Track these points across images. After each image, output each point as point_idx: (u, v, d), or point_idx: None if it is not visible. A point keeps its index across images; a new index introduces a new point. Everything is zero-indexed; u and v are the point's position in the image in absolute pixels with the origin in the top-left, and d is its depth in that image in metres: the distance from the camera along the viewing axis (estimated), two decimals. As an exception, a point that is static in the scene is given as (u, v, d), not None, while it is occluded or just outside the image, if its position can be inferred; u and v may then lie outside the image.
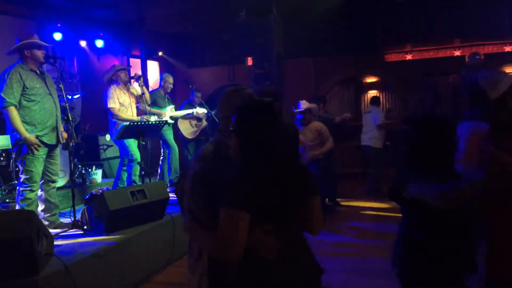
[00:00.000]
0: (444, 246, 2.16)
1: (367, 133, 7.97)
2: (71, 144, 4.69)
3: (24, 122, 4.22)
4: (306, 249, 1.96)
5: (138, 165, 5.75)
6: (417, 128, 2.27)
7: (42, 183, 4.45)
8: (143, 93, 6.08)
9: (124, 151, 5.91)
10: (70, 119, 4.55)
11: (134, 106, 6.12)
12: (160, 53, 10.57)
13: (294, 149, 2.01)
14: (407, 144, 2.32)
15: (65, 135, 4.61)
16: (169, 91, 7.09)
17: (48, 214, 4.52)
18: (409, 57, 10.64)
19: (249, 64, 10.59)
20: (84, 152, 7.02)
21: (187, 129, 7.30)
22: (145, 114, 6.17)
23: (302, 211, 1.88)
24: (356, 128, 8.92)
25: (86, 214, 4.34)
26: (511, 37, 9.84)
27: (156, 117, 6.58)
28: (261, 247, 1.78)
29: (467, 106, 2.70)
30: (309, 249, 1.98)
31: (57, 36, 7.49)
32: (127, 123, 5.32)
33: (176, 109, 7.15)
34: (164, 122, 5.94)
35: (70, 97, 6.99)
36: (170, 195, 4.88)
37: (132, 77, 6.21)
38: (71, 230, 4.39)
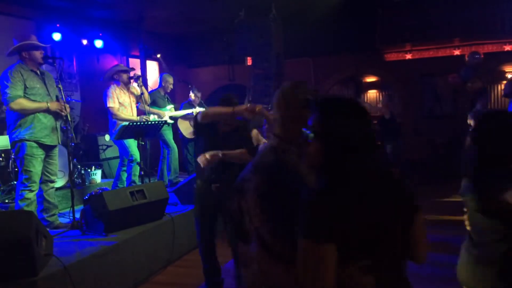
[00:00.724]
0: None
1: None
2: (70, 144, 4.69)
3: (23, 122, 4.22)
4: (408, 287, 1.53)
5: (137, 166, 5.74)
6: (489, 125, 1.95)
7: (41, 184, 4.45)
8: (142, 93, 6.07)
9: (124, 151, 5.90)
10: (70, 119, 4.55)
11: (134, 106, 6.12)
12: (159, 56, 10.56)
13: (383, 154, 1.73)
14: (478, 142, 1.97)
15: None
16: (168, 91, 7.09)
17: (47, 215, 4.52)
18: (408, 56, 10.63)
19: (248, 64, 10.59)
20: (83, 152, 7.01)
21: (186, 129, 7.29)
22: (145, 114, 6.16)
23: (406, 235, 1.46)
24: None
25: (85, 215, 4.34)
26: (510, 36, 9.83)
27: (155, 116, 6.57)
28: None
29: None
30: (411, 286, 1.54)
31: (56, 36, 7.48)
32: (127, 123, 5.32)
33: (176, 109, 7.15)
34: (164, 122, 5.94)
35: (69, 98, 6.97)
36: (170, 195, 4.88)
37: (131, 77, 6.20)
38: (70, 231, 4.38)
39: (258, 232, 1.61)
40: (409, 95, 10.62)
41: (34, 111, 4.27)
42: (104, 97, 5.87)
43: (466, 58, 9.75)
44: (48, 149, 4.42)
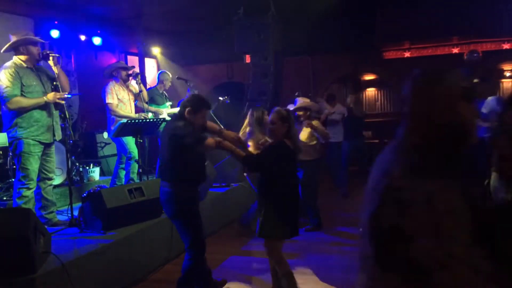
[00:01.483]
0: None
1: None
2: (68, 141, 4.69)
3: (20, 120, 4.20)
4: None
5: (136, 163, 5.74)
6: None
7: (38, 181, 4.44)
8: (140, 91, 6.06)
9: (122, 149, 5.89)
10: (68, 116, 4.54)
11: (133, 103, 6.12)
12: (158, 52, 10.55)
13: None
14: None
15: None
16: (167, 88, 7.08)
17: (45, 212, 4.51)
18: (407, 54, 10.64)
19: (247, 61, 10.57)
20: (81, 149, 7.00)
21: (185, 127, 7.27)
22: (143, 111, 6.15)
23: None
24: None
25: (84, 212, 4.34)
26: (509, 35, 9.84)
27: (152, 115, 6.57)
28: None
29: None
30: None
31: (55, 33, 7.46)
32: (125, 120, 5.31)
33: (174, 106, 7.13)
34: (162, 119, 5.93)
35: (69, 95, 6.96)
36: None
37: (130, 75, 6.19)
38: (68, 228, 4.38)
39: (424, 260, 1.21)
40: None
41: (32, 108, 4.24)
42: (103, 93, 5.86)
43: (465, 56, 9.76)
44: (45, 146, 4.41)
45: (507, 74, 10.67)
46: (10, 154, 5.02)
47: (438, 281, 1.19)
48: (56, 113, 4.52)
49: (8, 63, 4.24)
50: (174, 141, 3.41)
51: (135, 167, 5.83)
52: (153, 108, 6.61)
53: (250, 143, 4.90)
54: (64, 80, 4.45)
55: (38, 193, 4.46)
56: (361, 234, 1.38)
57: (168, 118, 6.71)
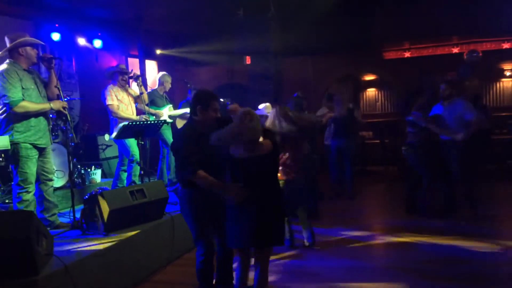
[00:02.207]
0: None
1: None
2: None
3: (17, 125, 4.19)
4: None
5: (137, 165, 5.75)
6: None
7: (39, 184, 4.44)
8: (141, 93, 6.08)
9: (125, 151, 5.91)
10: (69, 119, 4.54)
11: (133, 104, 6.14)
12: (159, 52, 10.56)
13: None
14: None
15: None
16: (167, 90, 7.09)
17: (48, 214, 4.52)
18: (407, 54, 10.66)
19: (247, 63, 10.61)
20: (83, 152, 7.01)
21: (186, 128, 7.28)
22: (144, 113, 6.17)
23: None
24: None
25: (85, 214, 4.35)
26: (509, 34, 9.85)
27: (154, 117, 6.58)
28: None
29: None
30: None
31: (55, 36, 7.48)
32: (126, 122, 5.33)
33: (175, 108, 7.15)
34: (163, 121, 5.95)
35: (68, 98, 6.97)
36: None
37: (131, 77, 6.21)
38: (70, 230, 4.39)
39: None
40: (408, 93, 10.63)
41: (37, 112, 4.24)
42: (102, 96, 5.88)
43: (465, 56, 9.78)
44: (40, 149, 4.41)
45: (507, 73, 10.67)
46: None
47: None
48: (50, 116, 4.52)
49: (5, 66, 4.17)
50: None
51: (136, 169, 5.85)
52: (152, 110, 6.62)
53: None
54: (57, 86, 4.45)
55: (40, 195, 4.46)
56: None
57: (169, 120, 6.74)
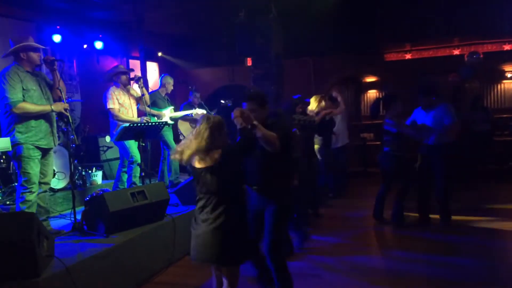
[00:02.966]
0: None
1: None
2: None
3: (18, 126, 4.20)
4: None
5: (138, 167, 5.75)
6: None
7: None
8: (143, 95, 6.08)
9: (125, 152, 5.91)
10: (70, 121, 4.55)
11: (134, 107, 6.13)
12: (160, 54, 10.57)
13: None
14: None
15: None
16: (169, 92, 7.10)
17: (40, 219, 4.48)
18: (408, 56, 10.65)
19: (248, 64, 10.61)
20: (84, 153, 7.02)
21: (187, 130, 7.30)
22: (145, 115, 6.17)
23: None
24: (356, 127, 8.92)
25: (86, 216, 4.35)
26: (510, 36, 9.84)
27: (154, 118, 6.58)
28: None
29: None
30: None
31: (57, 38, 7.50)
32: (127, 124, 5.33)
33: (176, 110, 7.16)
34: (164, 123, 5.95)
35: (69, 99, 6.99)
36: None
37: (132, 79, 6.22)
38: (71, 232, 4.39)
39: None
40: (409, 95, 10.61)
41: (37, 114, 4.25)
42: (104, 99, 5.88)
43: (466, 58, 9.77)
44: (44, 151, 4.42)
45: (508, 75, 10.65)
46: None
47: None
48: (54, 118, 4.53)
49: (8, 68, 4.23)
50: None
51: (136, 170, 5.85)
52: (154, 111, 6.63)
53: None
54: (62, 88, 4.46)
55: None
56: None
57: (170, 122, 6.74)
